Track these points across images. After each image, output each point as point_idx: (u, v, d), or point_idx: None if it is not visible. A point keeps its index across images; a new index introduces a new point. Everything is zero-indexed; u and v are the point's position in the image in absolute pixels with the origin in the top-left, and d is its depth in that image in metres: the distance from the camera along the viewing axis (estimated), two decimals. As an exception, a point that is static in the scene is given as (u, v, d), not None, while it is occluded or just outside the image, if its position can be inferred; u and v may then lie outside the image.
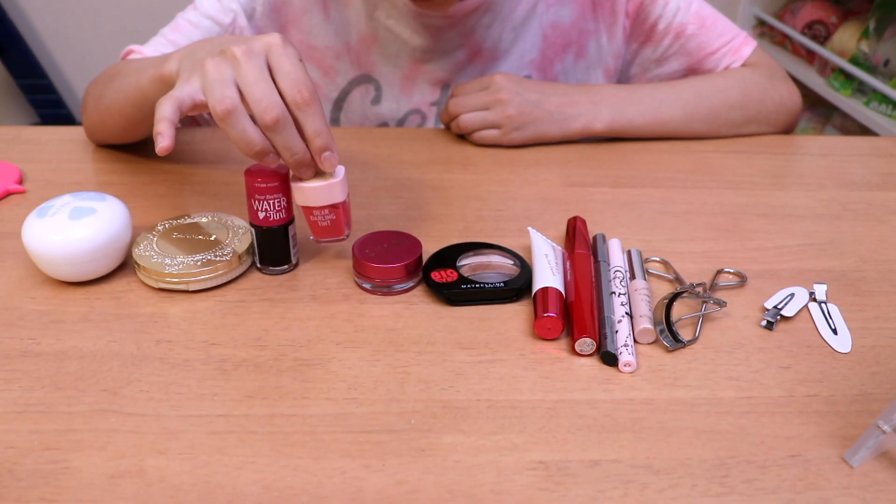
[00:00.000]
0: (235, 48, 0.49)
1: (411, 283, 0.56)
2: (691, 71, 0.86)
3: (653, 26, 0.84)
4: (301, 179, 0.54)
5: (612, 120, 0.78)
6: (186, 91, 0.50)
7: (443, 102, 0.87)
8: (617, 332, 0.51)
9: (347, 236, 0.57)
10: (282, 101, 0.49)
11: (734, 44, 0.85)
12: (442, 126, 0.87)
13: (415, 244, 0.57)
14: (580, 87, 0.80)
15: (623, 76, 0.91)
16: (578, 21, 0.85)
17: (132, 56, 0.76)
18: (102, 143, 0.77)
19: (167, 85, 0.56)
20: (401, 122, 0.88)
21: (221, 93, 0.49)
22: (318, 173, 0.54)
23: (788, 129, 0.87)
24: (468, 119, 0.77)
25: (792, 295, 0.56)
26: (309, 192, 0.54)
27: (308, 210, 0.55)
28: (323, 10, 0.81)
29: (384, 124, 0.88)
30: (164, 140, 0.48)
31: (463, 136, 0.81)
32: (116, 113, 0.67)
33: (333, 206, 0.55)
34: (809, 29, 1.90)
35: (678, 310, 0.54)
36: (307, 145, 0.51)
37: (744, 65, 0.85)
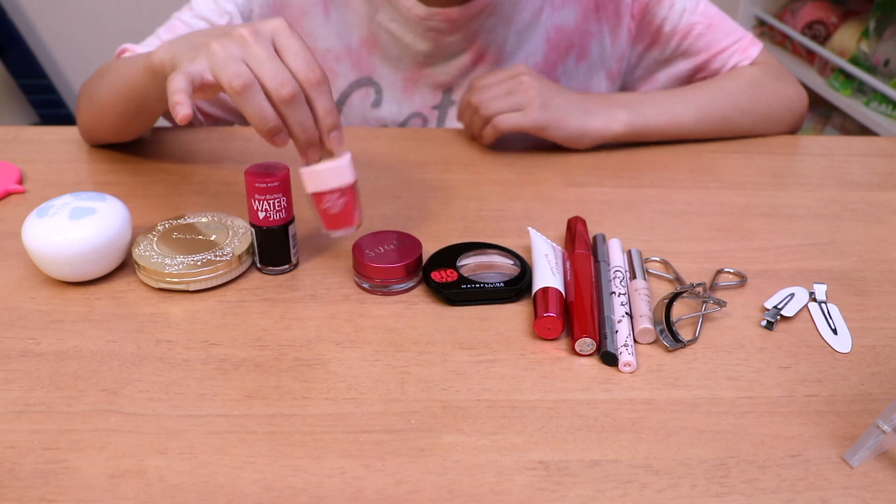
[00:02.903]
0: (242, 30, 0.50)
1: (411, 283, 0.56)
2: (698, 70, 0.86)
3: (659, 28, 0.84)
4: (307, 164, 0.54)
5: (629, 120, 0.77)
6: (195, 69, 0.50)
7: (445, 106, 0.86)
8: (617, 332, 0.51)
9: (359, 226, 0.56)
10: (294, 79, 0.50)
11: (742, 43, 0.85)
12: (443, 126, 0.87)
13: (415, 244, 0.57)
14: (594, 93, 0.81)
15: (628, 78, 0.90)
16: (581, 23, 0.84)
17: (126, 55, 0.76)
18: (97, 143, 0.77)
19: (156, 76, 0.55)
20: (402, 126, 0.87)
21: (235, 69, 0.49)
22: (324, 158, 0.54)
23: (794, 129, 0.87)
24: (490, 102, 0.75)
25: (792, 295, 0.56)
26: (319, 175, 0.53)
27: (318, 197, 0.54)
28: (323, 12, 0.80)
29: (385, 127, 0.88)
30: (183, 108, 0.48)
31: (464, 138, 0.81)
32: (109, 109, 0.67)
33: (343, 190, 0.54)
34: (809, 29, 1.90)
35: (678, 310, 0.54)
36: (317, 124, 0.52)
37: (751, 64, 0.85)
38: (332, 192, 0.54)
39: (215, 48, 0.49)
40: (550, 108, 0.75)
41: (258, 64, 0.49)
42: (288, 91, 0.49)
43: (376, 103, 0.85)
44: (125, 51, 0.77)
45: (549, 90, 0.76)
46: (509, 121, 0.74)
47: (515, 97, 0.74)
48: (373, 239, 0.57)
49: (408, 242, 0.57)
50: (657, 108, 0.79)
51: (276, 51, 0.50)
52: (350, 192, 0.54)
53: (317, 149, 0.53)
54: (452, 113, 0.87)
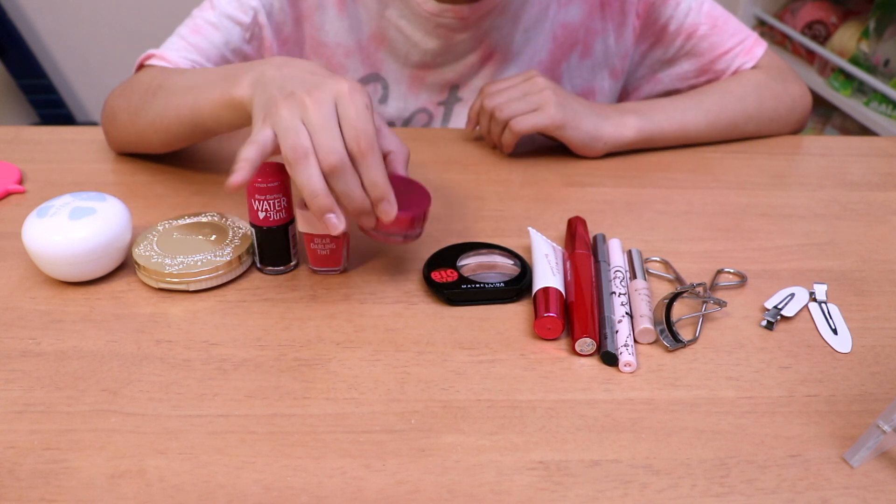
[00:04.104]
0: (306, 96, 0.50)
1: (417, 232, 0.55)
2: (703, 71, 0.86)
3: (664, 27, 0.84)
4: (361, 227, 0.53)
5: (640, 126, 0.77)
6: (266, 137, 0.50)
7: (451, 102, 0.86)
8: (617, 332, 0.51)
9: (345, 269, 0.57)
10: (344, 149, 0.50)
11: (747, 44, 0.85)
12: (445, 126, 0.87)
13: (422, 194, 0.55)
14: (602, 103, 0.81)
15: (630, 77, 0.90)
16: (586, 20, 0.84)
17: (154, 61, 0.73)
18: (129, 153, 0.75)
19: (237, 110, 0.56)
20: (407, 122, 0.87)
21: (295, 141, 0.49)
22: None
23: (799, 129, 0.87)
24: (505, 105, 0.75)
25: (792, 295, 0.56)
26: (312, 219, 0.54)
27: (309, 237, 0.55)
28: (337, 6, 0.80)
29: (391, 124, 0.87)
30: (238, 176, 0.49)
31: (464, 138, 0.81)
32: (163, 130, 0.66)
33: (334, 237, 0.55)
34: (809, 29, 1.90)
35: (678, 310, 0.54)
36: (367, 194, 0.51)
37: (755, 66, 0.85)
38: (322, 236, 0.55)
39: (282, 113, 0.50)
40: (567, 108, 0.74)
41: (314, 132, 0.49)
42: (329, 162, 0.49)
43: (383, 99, 0.85)
44: (151, 56, 0.74)
45: (563, 92, 0.76)
46: (526, 122, 0.74)
47: (530, 98, 0.74)
48: None
49: (415, 191, 0.55)
50: (667, 114, 0.79)
51: (338, 116, 0.50)
52: (340, 240, 0.55)
53: (369, 215, 0.52)
54: (458, 109, 0.87)
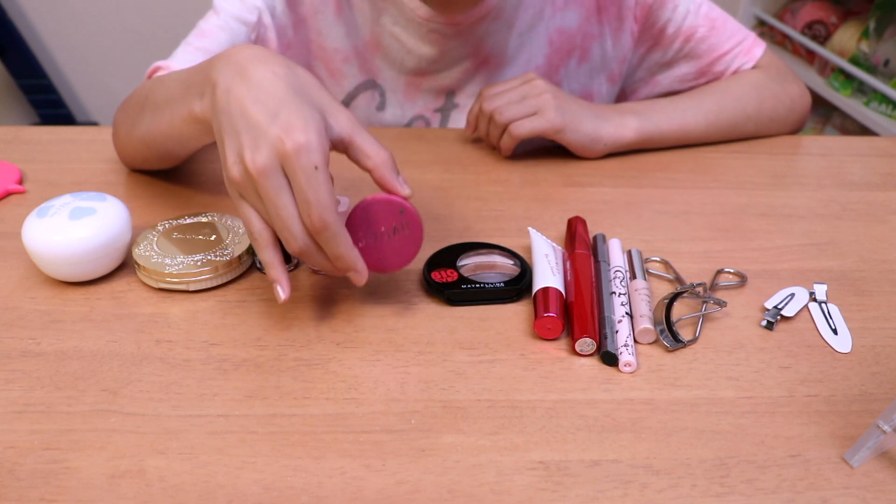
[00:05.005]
0: (252, 165, 0.46)
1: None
2: (701, 73, 0.86)
3: (662, 30, 0.84)
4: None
5: (639, 127, 0.77)
6: (254, 224, 0.49)
7: (448, 108, 0.86)
8: (617, 332, 0.51)
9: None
10: (301, 230, 0.47)
11: (745, 45, 0.85)
12: (444, 126, 0.87)
13: (414, 227, 0.52)
14: (600, 103, 0.81)
15: (628, 80, 0.90)
16: (583, 25, 0.84)
17: (160, 73, 0.71)
18: (136, 169, 0.73)
19: (204, 125, 0.52)
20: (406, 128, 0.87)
21: (258, 226, 0.48)
22: None
23: (798, 129, 0.87)
24: (504, 109, 0.74)
25: (792, 295, 0.56)
26: None
27: None
28: (335, 11, 0.80)
29: None
30: (283, 292, 0.49)
31: (464, 139, 0.81)
32: (153, 145, 0.63)
33: None
34: (809, 29, 1.90)
35: (678, 310, 0.54)
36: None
37: (754, 66, 0.85)
38: None
39: (238, 193, 0.48)
40: (566, 111, 0.74)
41: (271, 218, 0.47)
42: (293, 250, 0.48)
43: (380, 106, 0.85)
44: (157, 69, 0.72)
45: (562, 94, 0.76)
46: (525, 126, 0.74)
47: (529, 101, 0.74)
48: (366, 216, 0.51)
49: (410, 227, 0.52)
50: (666, 115, 0.79)
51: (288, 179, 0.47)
52: None
53: (356, 273, 0.50)
54: (455, 115, 0.87)
